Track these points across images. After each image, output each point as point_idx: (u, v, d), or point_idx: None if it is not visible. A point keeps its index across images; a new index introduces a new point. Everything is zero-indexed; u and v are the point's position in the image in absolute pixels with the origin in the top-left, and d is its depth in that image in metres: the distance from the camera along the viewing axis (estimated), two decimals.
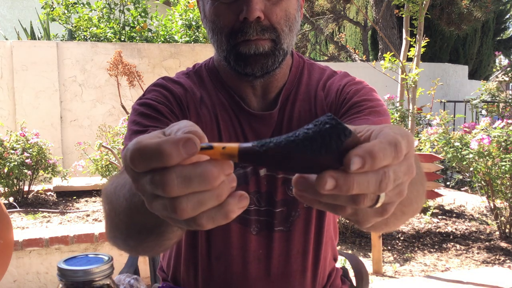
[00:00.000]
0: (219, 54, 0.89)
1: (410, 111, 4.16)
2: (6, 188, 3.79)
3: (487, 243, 3.44)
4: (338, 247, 1.10)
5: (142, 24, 6.62)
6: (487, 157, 3.32)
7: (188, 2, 6.63)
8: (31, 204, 3.85)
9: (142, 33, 6.59)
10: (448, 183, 5.32)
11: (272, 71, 0.88)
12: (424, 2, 4.09)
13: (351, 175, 0.37)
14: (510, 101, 5.49)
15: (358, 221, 0.44)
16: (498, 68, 14.33)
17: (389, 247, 3.39)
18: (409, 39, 4.36)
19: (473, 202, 4.37)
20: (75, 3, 6.71)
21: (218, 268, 0.95)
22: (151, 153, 0.37)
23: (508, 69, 6.70)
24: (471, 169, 3.50)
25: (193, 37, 6.54)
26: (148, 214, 0.51)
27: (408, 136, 0.40)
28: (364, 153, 0.37)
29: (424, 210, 4.09)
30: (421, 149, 3.82)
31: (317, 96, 0.95)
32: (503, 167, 3.21)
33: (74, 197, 4.09)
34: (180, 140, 0.37)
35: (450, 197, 4.60)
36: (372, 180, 0.38)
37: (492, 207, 3.56)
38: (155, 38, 6.67)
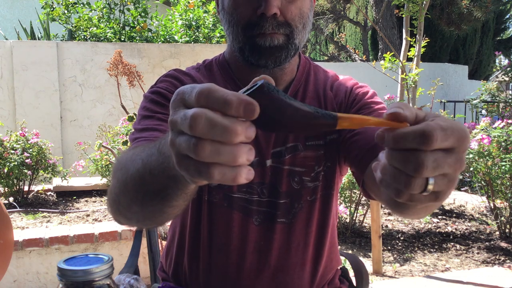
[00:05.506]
0: (234, 45, 0.92)
1: None
2: (6, 188, 3.79)
3: (487, 243, 3.44)
4: (338, 247, 1.11)
5: (142, 24, 6.61)
6: (487, 157, 3.32)
7: (188, 2, 6.63)
8: (31, 204, 3.84)
9: (142, 33, 6.59)
10: None
11: (283, 64, 0.92)
12: (424, 2, 4.08)
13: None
14: (510, 101, 5.49)
15: (410, 208, 0.54)
16: (498, 68, 14.32)
17: (389, 247, 3.39)
18: (409, 39, 4.35)
19: (473, 202, 4.37)
20: (75, 3, 6.71)
21: (218, 259, 0.96)
22: (218, 96, 0.41)
23: (508, 69, 6.70)
24: (471, 169, 3.50)
25: (193, 37, 6.54)
26: (159, 176, 0.56)
27: (455, 130, 0.42)
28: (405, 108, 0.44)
29: None
30: None
31: (326, 95, 0.99)
32: (503, 167, 3.21)
33: (74, 197, 4.09)
34: (246, 100, 0.41)
35: (450, 197, 4.60)
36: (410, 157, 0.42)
37: (492, 207, 3.55)
38: (155, 38, 6.67)
